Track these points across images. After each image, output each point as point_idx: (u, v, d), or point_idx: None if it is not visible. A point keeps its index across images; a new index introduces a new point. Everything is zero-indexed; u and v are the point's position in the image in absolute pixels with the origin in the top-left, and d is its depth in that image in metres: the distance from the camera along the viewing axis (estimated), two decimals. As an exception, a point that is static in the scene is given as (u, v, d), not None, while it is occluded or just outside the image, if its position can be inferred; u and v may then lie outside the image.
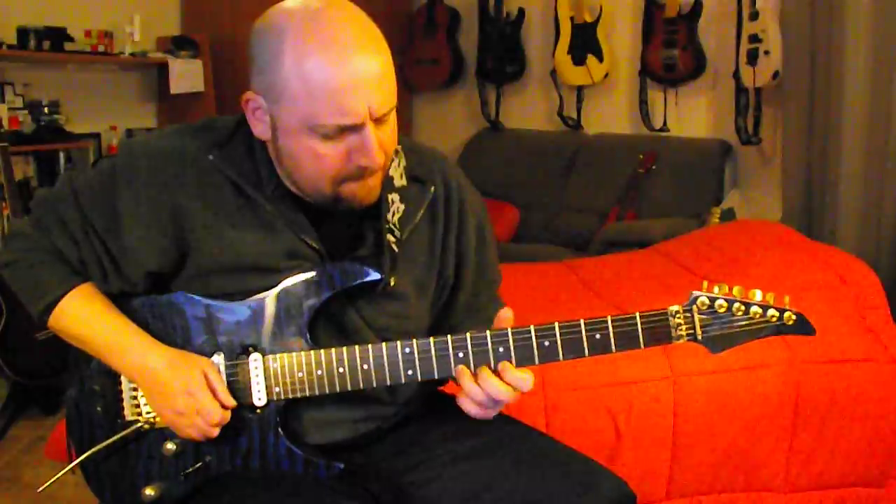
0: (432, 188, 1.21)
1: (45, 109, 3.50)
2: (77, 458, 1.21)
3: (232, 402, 1.12)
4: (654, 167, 3.74)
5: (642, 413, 1.80)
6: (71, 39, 3.54)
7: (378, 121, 1.04)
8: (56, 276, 1.18)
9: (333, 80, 1.00)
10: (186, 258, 1.14)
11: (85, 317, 1.17)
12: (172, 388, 1.11)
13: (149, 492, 1.16)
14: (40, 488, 1.25)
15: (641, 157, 3.77)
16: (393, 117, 1.08)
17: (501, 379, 1.08)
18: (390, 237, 1.15)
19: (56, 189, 1.20)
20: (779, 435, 1.87)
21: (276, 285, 1.13)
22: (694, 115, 3.88)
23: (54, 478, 1.21)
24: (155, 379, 1.12)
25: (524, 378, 1.08)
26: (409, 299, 1.20)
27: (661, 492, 1.84)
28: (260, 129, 1.09)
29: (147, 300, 1.18)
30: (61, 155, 3.60)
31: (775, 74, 3.18)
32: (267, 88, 1.04)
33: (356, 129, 1.03)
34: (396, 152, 1.19)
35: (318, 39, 1.00)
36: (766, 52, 3.18)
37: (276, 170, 1.13)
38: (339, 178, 1.07)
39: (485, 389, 1.08)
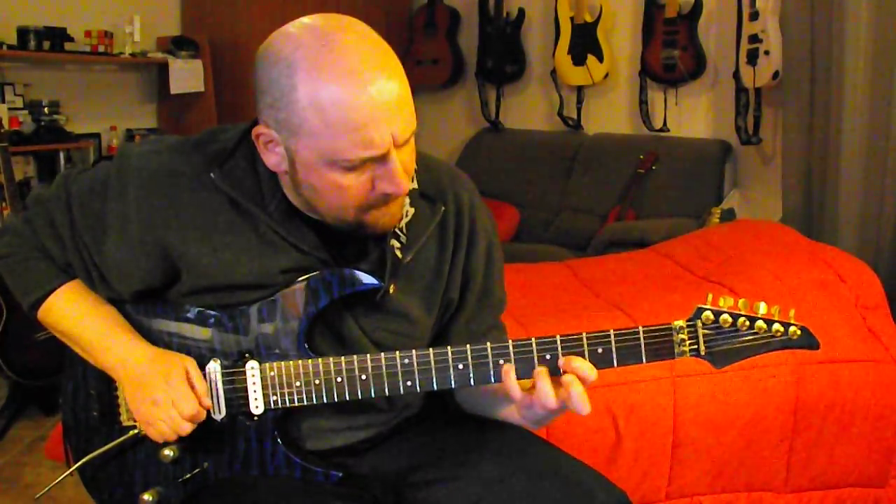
0: (442, 207, 1.18)
1: (45, 109, 3.50)
2: (75, 462, 1.21)
3: (207, 403, 1.10)
4: (654, 167, 3.74)
5: (642, 413, 1.79)
6: (71, 39, 3.54)
7: (400, 146, 1.01)
8: (46, 271, 1.18)
9: (354, 113, 0.94)
10: (177, 278, 1.13)
11: (73, 313, 1.17)
12: (152, 377, 1.10)
13: (147, 497, 1.16)
14: (38, 494, 1.26)
15: (641, 157, 3.78)
16: (412, 138, 1.04)
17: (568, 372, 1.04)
18: (394, 242, 1.12)
19: (51, 189, 1.19)
20: (779, 435, 1.87)
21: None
22: (694, 115, 3.89)
23: (52, 484, 1.21)
24: (136, 371, 1.11)
25: (589, 368, 1.03)
26: (412, 319, 1.17)
27: (661, 492, 1.84)
28: (274, 162, 1.04)
29: (142, 305, 1.17)
30: (61, 155, 3.61)
31: (775, 74, 3.17)
32: (281, 123, 0.99)
33: (380, 158, 0.99)
34: None
35: (331, 69, 0.94)
36: (766, 52, 3.18)
37: (280, 186, 1.10)
38: (364, 207, 1.04)
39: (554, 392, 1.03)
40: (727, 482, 1.87)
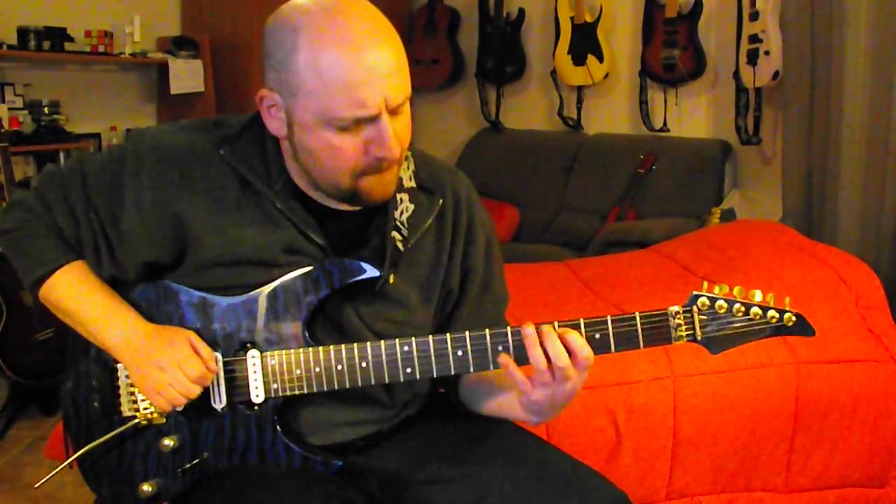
0: (440, 200, 1.20)
1: (45, 109, 3.50)
2: (74, 453, 1.21)
3: (214, 367, 1.12)
4: (654, 167, 3.74)
5: (642, 413, 1.80)
6: (71, 39, 3.54)
7: (393, 112, 1.05)
8: (53, 249, 1.18)
9: (348, 74, 1.00)
10: (185, 253, 1.14)
11: (76, 291, 1.17)
12: (155, 345, 1.11)
13: (146, 488, 1.17)
14: (38, 483, 1.25)
15: (641, 157, 3.77)
16: (407, 108, 1.08)
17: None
18: (396, 234, 1.14)
19: (65, 167, 1.20)
20: (779, 435, 1.87)
21: (273, 280, 1.13)
22: (694, 115, 3.88)
23: (51, 473, 1.21)
24: (138, 344, 1.12)
25: (585, 346, 1.05)
26: (411, 307, 1.19)
27: (661, 492, 1.84)
28: (275, 126, 1.09)
29: (143, 293, 1.18)
30: (61, 155, 3.60)
31: (775, 74, 3.17)
32: (282, 84, 1.04)
33: (372, 120, 1.03)
34: (406, 156, 1.18)
35: (332, 34, 1.00)
36: (766, 53, 3.18)
37: (285, 167, 1.14)
38: (357, 172, 1.07)
39: (552, 351, 1.04)
40: (727, 482, 1.87)
